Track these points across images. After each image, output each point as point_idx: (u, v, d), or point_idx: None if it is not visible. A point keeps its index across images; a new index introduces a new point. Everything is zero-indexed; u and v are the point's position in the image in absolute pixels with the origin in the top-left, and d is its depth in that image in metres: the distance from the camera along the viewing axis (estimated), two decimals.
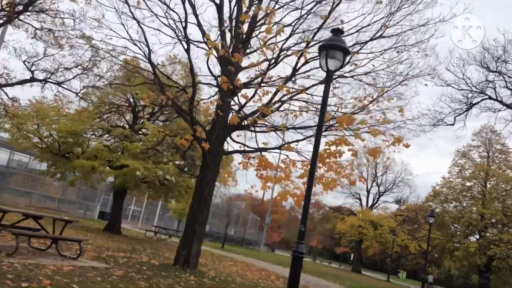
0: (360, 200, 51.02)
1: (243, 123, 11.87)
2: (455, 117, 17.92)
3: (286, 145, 11.47)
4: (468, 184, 40.02)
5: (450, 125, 17.93)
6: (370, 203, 49.94)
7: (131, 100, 21.54)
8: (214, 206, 46.81)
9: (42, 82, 19.52)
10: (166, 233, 26.22)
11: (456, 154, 41.55)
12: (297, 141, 11.95)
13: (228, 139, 12.92)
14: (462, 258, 36.56)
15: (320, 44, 8.94)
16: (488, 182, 38.70)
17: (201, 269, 12.05)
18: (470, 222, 36.92)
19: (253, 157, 11.77)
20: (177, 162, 20.89)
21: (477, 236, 37.91)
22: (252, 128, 12.36)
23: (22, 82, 18.84)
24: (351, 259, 57.84)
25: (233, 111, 11.86)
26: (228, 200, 53.57)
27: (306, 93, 12.10)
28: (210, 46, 9.43)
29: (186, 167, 21.69)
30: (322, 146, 10.47)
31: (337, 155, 10.34)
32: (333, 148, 10.18)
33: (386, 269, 58.46)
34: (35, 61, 18.81)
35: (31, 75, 18.84)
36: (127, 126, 21.71)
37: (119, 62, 17.39)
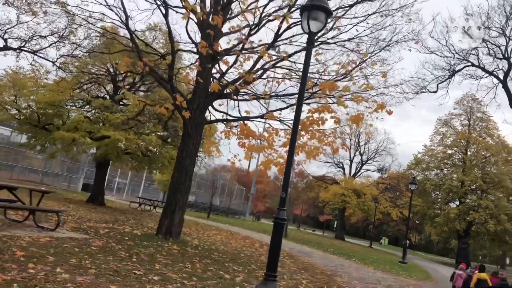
0: (343, 169, 51.57)
1: (225, 91, 11.65)
2: (437, 84, 17.93)
3: (269, 114, 11.32)
4: (449, 151, 40.68)
5: (433, 92, 17.95)
6: (353, 172, 50.55)
7: (111, 69, 20.99)
8: (200, 177, 46.94)
9: (17, 50, 18.84)
10: (151, 204, 26.14)
11: (438, 122, 42.06)
12: (280, 109, 11.82)
13: (210, 108, 12.72)
14: (442, 224, 37.50)
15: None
16: (468, 150, 39.36)
17: (184, 238, 12.02)
18: (450, 189, 37.72)
19: (235, 126, 11.61)
20: (159, 133, 20.62)
21: (457, 203, 38.82)
22: (235, 97, 12.15)
23: None
24: (335, 226, 58.91)
25: (214, 79, 11.60)
26: (213, 171, 53.66)
27: (289, 61, 11.90)
28: (188, 9, 9.08)
29: (169, 138, 21.44)
30: (304, 114, 10.36)
31: (320, 122, 10.24)
32: (316, 115, 10.06)
33: (369, 236, 59.71)
34: (8, 29, 18.09)
35: (4, 43, 18.14)
36: (107, 97, 21.22)
37: (97, 29, 16.80)
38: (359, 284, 10.45)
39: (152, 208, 25.88)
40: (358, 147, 50.39)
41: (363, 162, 50.37)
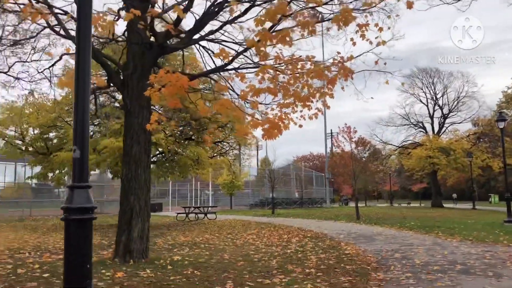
0: (424, 128, 45.21)
1: (168, 41, 8.28)
2: None
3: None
4: None
5: None
6: (436, 129, 44.02)
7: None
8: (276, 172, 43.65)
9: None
10: (200, 211, 23.40)
11: None
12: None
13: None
14: None
15: None
16: None
17: (163, 255, 8.75)
18: None
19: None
20: (169, 130, 17.61)
21: None
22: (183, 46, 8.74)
23: None
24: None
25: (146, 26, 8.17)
26: (294, 162, 50.11)
27: None
28: None
29: (191, 131, 18.33)
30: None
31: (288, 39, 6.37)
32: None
33: (474, 196, 52.46)
34: None
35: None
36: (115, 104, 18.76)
37: None
38: (412, 277, 6.43)
39: (204, 216, 23.10)
40: (436, 100, 43.89)
41: (445, 116, 43.67)
